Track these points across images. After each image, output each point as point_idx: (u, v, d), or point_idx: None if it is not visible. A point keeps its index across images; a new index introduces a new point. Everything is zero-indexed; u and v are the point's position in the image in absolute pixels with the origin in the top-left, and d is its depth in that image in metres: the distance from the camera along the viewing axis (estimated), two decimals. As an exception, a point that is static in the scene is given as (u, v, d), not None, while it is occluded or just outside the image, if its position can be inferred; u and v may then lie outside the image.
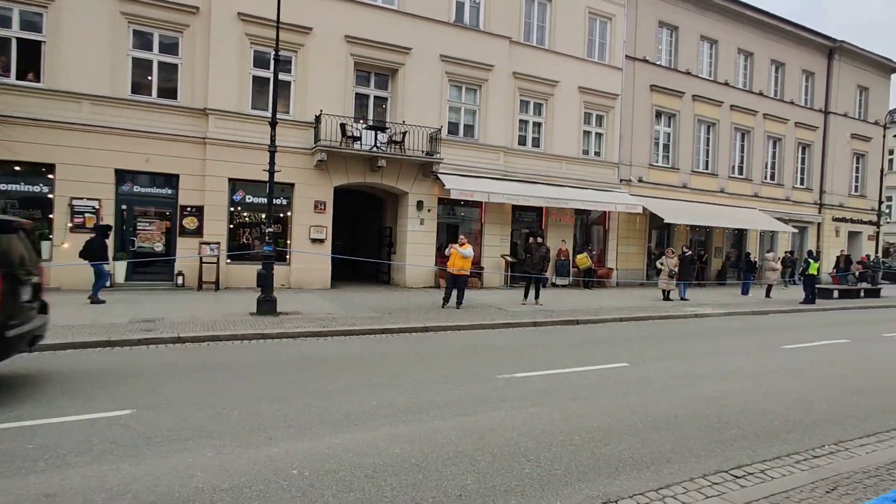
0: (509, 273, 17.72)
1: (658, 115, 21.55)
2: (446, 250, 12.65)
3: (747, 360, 8.29)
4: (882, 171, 27.61)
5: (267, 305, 10.23)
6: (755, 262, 21.07)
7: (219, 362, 6.96)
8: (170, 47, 13.81)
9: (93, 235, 11.35)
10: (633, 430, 4.93)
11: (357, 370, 6.78)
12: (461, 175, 16.71)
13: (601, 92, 19.68)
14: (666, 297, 15.65)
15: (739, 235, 24.46)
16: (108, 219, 13.03)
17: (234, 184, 14.44)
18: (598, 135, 20.19)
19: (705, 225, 21.91)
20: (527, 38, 18.42)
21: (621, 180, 20.38)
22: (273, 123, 10.60)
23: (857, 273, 23.22)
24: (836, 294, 19.15)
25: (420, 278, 16.59)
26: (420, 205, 16.47)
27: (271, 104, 10.87)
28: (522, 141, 18.63)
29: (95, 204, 13.01)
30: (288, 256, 15.03)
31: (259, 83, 14.64)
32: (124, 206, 13.58)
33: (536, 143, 18.90)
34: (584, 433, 4.78)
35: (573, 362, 7.59)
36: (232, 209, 14.60)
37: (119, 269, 13.33)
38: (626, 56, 20.28)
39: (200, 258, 13.63)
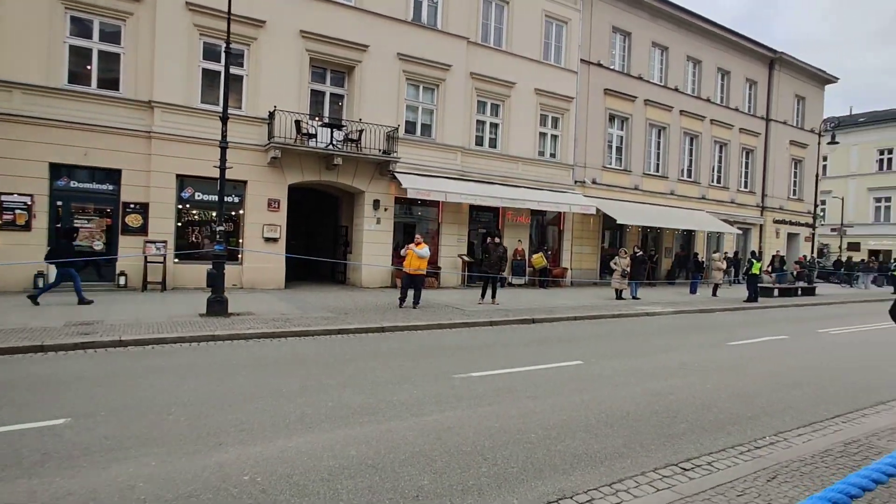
0: (466, 273, 17.79)
1: (611, 118, 22.12)
2: (402, 251, 12.55)
3: (695, 356, 8.60)
4: (817, 176, 29.31)
5: (217, 306, 9.88)
6: (702, 262, 21.94)
7: (164, 366, 6.65)
8: (111, 36, 13.13)
9: (58, 238, 10.94)
10: (586, 426, 5.01)
11: (312, 371, 6.63)
12: (418, 174, 16.66)
13: (557, 94, 20.04)
14: (618, 297, 16.07)
15: (688, 236, 25.42)
16: (42, 216, 12.32)
17: (183, 180, 13.88)
18: (554, 136, 20.55)
19: (656, 226, 22.63)
20: (484, 39, 18.55)
21: (576, 182, 20.81)
22: (224, 118, 10.25)
23: (794, 272, 24.53)
24: (776, 293, 20.19)
25: (376, 278, 16.43)
26: (377, 204, 16.31)
27: (222, 98, 10.50)
28: (479, 141, 18.74)
29: (28, 200, 12.23)
30: (240, 256, 14.58)
31: (209, 76, 14.13)
32: (60, 203, 12.80)
33: (493, 143, 19.06)
34: (539, 431, 4.83)
35: (529, 361, 7.66)
36: (180, 206, 14.03)
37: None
38: (581, 60, 20.72)
39: (145, 257, 13.03)
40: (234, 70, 13.55)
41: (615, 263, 16.21)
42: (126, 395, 5.43)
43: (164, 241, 13.28)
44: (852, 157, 40.53)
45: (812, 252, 27.75)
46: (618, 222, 20.41)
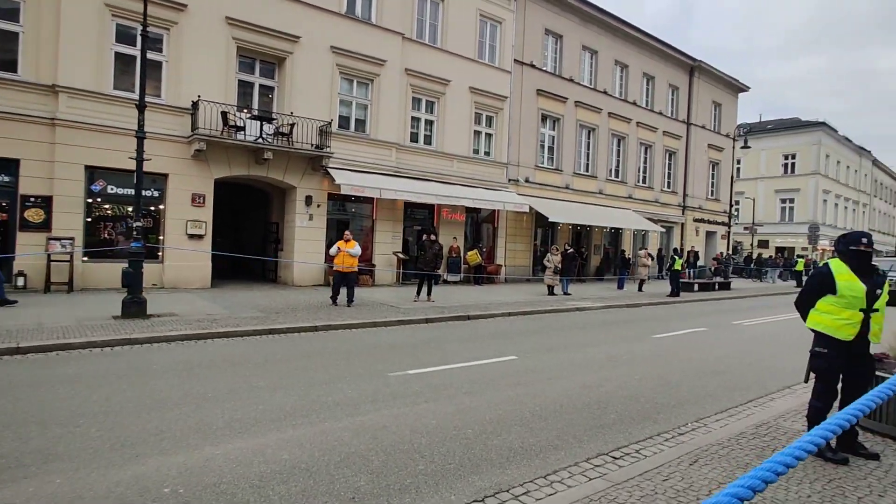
0: (401, 270, 17.67)
1: (544, 118, 22.69)
2: (332, 249, 12.22)
3: (623, 349, 8.96)
4: (732, 178, 31.55)
5: (135, 307, 9.22)
6: (629, 258, 22.98)
7: (72, 374, 6.11)
8: (9, 13, 11.92)
9: None
10: (522, 420, 5.08)
11: (240, 374, 6.31)
12: (352, 170, 16.36)
13: (491, 93, 20.30)
14: (551, 292, 16.51)
15: (616, 234, 26.54)
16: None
17: (93, 172, 12.85)
18: (488, 135, 20.81)
19: (586, 224, 23.46)
20: (419, 35, 18.47)
21: (509, 180, 21.19)
22: (141, 107, 9.56)
23: (712, 268, 26.24)
24: (696, 287, 21.48)
25: (309, 276, 15.98)
26: (309, 200, 15.85)
27: (138, 85, 9.80)
28: (415, 138, 18.66)
29: None
30: (160, 253, 13.71)
31: (124, 61, 13.17)
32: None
33: (428, 140, 19.03)
34: (476, 426, 4.84)
35: (465, 357, 7.69)
36: (90, 200, 12.99)
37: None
38: (515, 60, 21.10)
39: (48, 255, 11.94)
40: (151, 56, 12.69)
41: (548, 260, 16.65)
42: (24, 407, 4.91)
43: (71, 238, 12.22)
44: (762, 161, 43.96)
45: (728, 249, 29.81)
46: (549, 220, 20.97)
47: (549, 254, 16.93)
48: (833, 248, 4.62)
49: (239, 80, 14.91)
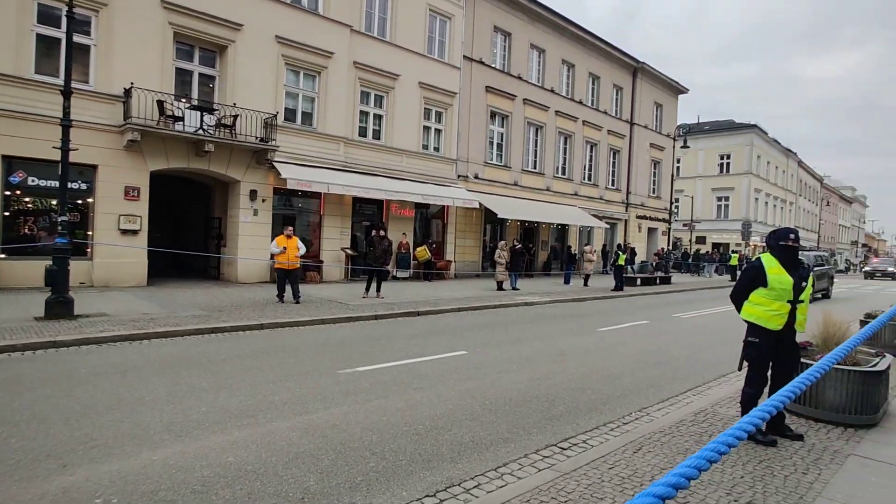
0: (350, 266, 17.42)
1: (493, 115, 22.90)
2: (273, 246, 11.83)
3: (570, 342, 9.18)
4: (672, 176, 32.92)
5: (60, 307, 8.63)
6: (575, 254, 23.57)
7: (-9, 379, 5.64)
8: (-84, -14, 10.89)
9: None
10: (472, 414, 5.10)
11: (180, 375, 6.02)
12: (299, 164, 15.95)
13: (440, 89, 20.27)
14: (500, 288, 16.71)
15: (562, 230, 27.16)
16: None
17: (11, 162, 11.92)
18: (438, 131, 20.79)
19: (534, 220, 23.89)
20: (368, 28, 18.20)
21: (459, 176, 21.27)
22: (67, 93, 8.92)
23: (654, 263, 27.30)
24: (638, 282, 22.28)
25: (255, 273, 15.48)
26: (254, 194, 15.34)
27: (63, 70, 9.14)
28: (363, 132, 18.40)
29: None
30: (89, 250, 12.91)
31: (46, 44, 12.27)
32: None
33: (377, 135, 18.82)
34: (427, 422, 4.82)
35: (415, 353, 7.66)
36: (8, 193, 12.04)
37: None
38: (465, 56, 21.17)
39: (-35, 252, 11.02)
40: (79, 39, 11.90)
41: (500, 256, 16.82)
42: (-63, 416, 4.51)
43: (-10, 234, 11.32)
44: (699, 161, 46.15)
45: (668, 245, 31.08)
46: (499, 216, 21.22)
47: (498, 249, 17.11)
48: (764, 244, 4.88)
49: (177, 68, 14.20)
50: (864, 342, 5.86)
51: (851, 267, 60.86)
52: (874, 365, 4.97)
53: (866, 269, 44.66)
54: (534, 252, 25.07)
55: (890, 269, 40.74)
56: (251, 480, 3.55)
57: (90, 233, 12.94)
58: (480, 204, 20.79)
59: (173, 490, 3.38)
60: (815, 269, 12.84)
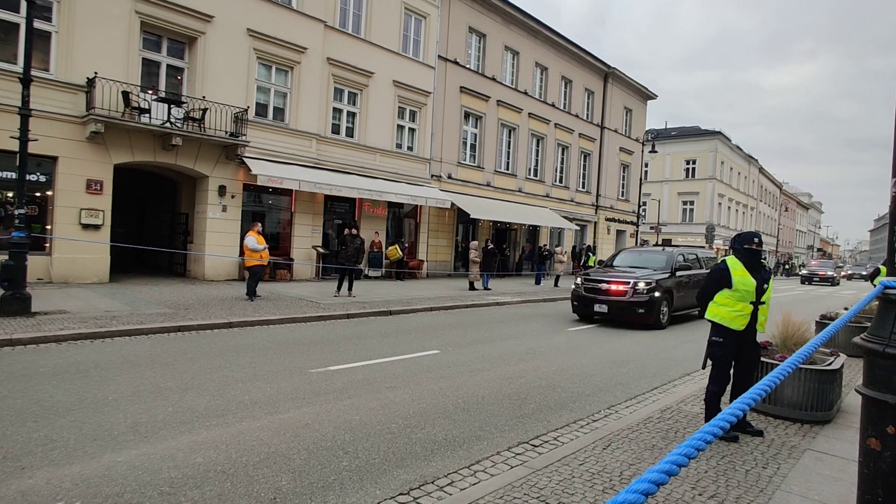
0: (321, 265, 17.25)
1: (466, 115, 22.98)
2: (252, 242, 11.61)
3: (541, 342, 9.29)
4: (641, 180, 33.62)
5: (16, 304, 8.29)
6: (546, 255, 23.86)
7: (-58, 378, 5.39)
8: None
9: None
10: (445, 413, 5.12)
11: (146, 374, 5.86)
12: (270, 161, 15.70)
13: (415, 88, 20.24)
14: (472, 287, 16.79)
15: (534, 231, 27.45)
16: None
17: (-33, 152, 11.43)
18: (412, 130, 20.75)
19: (506, 220, 24.07)
20: (342, 24, 18.04)
21: (432, 176, 21.28)
22: (26, 80, 8.57)
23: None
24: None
25: (223, 270, 15.17)
26: (222, 190, 15.03)
27: (23, 56, 8.78)
28: (336, 130, 18.23)
29: None
30: (48, 244, 12.44)
31: (4, 29, 11.80)
32: None
33: (350, 132, 18.67)
34: (400, 420, 4.82)
35: (387, 352, 7.64)
36: (-36, 184, 11.54)
37: None
38: (439, 56, 21.19)
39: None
40: (39, 24, 11.46)
41: (477, 255, 16.85)
42: None
43: (-58, 226, 10.80)
44: (666, 165, 47.27)
45: (636, 247, 31.61)
46: (471, 217, 21.31)
47: (473, 250, 17.17)
48: (728, 247, 5.05)
49: (143, 59, 13.80)
50: (822, 343, 6.15)
51: (795, 269, 56.33)
52: (829, 364, 5.19)
53: (803, 272, 39.73)
54: (507, 253, 25.23)
55: (829, 272, 36.46)
56: (221, 481, 3.49)
57: (49, 227, 12.47)
58: (453, 204, 20.85)
59: (139, 492, 3.29)
60: (679, 272, 11.96)
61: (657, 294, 11.18)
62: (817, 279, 36.34)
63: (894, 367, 1.76)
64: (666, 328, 11.43)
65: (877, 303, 1.97)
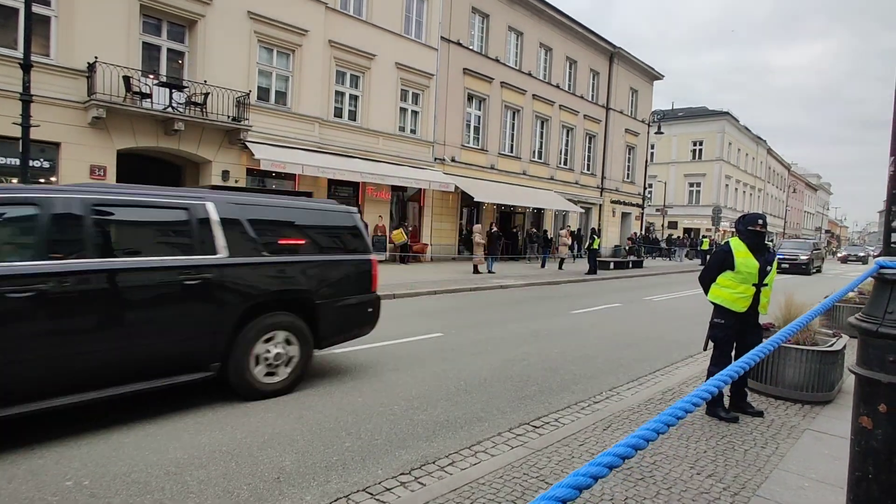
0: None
1: (470, 97, 22.79)
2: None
3: (544, 324, 9.32)
4: (646, 162, 33.35)
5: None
6: (551, 238, 23.82)
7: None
8: None
9: None
10: (447, 394, 5.17)
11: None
12: (273, 145, 15.67)
13: (417, 70, 20.06)
14: (476, 271, 16.82)
15: (538, 214, 27.36)
16: None
17: (-30, 139, 11.46)
18: (415, 113, 20.62)
19: (510, 204, 23.99)
20: (344, 6, 17.84)
21: (436, 159, 21.19)
22: (26, 66, 8.57)
23: (627, 247, 27.80)
24: (612, 266, 22.67)
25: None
26: (226, 175, 15.05)
27: (23, 41, 8.76)
28: (339, 113, 18.14)
29: None
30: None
31: (3, 14, 11.74)
32: None
33: (353, 116, 18.57)
34: (402, 402, 4.87)
35: (391, 335, 7.68)
36: (-30, 171, 11.60)
37: None
38: (442, 38, 20.95)
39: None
40: (38, 9, 11.39)
41: (483, 237, 16.86)
42: None
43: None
44: (673, 147, 46.85)
45: (641, 230, 31.60)
46: (475, 200, 21.26)
47: (475, 233, 17.17)
48: (733, 229, 5.02)
49: (144, 43, 13.74)
50: (824, 324, 6.13)
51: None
52: (831, 345, 5.20)
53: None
54: (518, 234, 25.12)
55: (801, 256, 26.55)
56: (225, 461, 3.56)
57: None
58: (457, 187, 20.78)
59: (146, 472, 3.36)
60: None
61: None
62: (787, 265, 25.65)
63: (888, 346, 1.77)
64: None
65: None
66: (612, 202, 32.53)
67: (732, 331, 4.61)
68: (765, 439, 4.17)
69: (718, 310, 4.65)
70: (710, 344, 4.77)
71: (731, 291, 4.55)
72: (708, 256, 29.28)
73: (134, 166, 15.90)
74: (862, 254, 41.84)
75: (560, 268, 20.63)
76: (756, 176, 55.02)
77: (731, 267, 4.52)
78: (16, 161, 10.42)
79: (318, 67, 16.90)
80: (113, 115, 12.70)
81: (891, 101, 1.99)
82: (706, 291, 4.81)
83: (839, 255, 48.79)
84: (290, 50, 16.30)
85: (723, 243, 4.88)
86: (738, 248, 4.53)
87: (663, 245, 35.97)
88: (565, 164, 28.76)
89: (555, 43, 26.83)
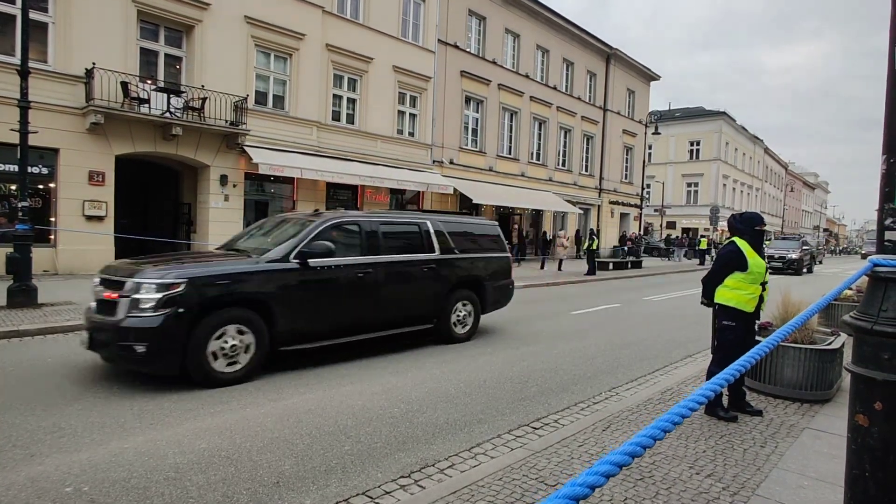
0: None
1: (467, 100, 22.82)
2: None
3: (544, 325, 9.33)
4: (644, 162, 33.38)
5: (22, 296, 8.38)
6: (550, 239, 23.84)
7: (-48, 369, 5.48)
8: None
9: None
10: (447, 396, 5.17)
11: (150, 364, 5.92)
12: (271, 149, 15.69)
13: (415, 73, 20.09)
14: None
15: (537, 215, 27.37)
16: None
17: (-34, 145, 11.46)
18: (413, 115, 20.65)
19: (509, 205, 24.00)
20: (341, 9, 17.87)
21: (434, 161, 21.21)
22: (24, 72, 8.57)
23: (626, 248, 27.81)
24: (611, 266, 22.66)
25: (227, 259, 15.22)
26: (224, 179, 15.05)
27: (20, 48, 8.77)
28: (336, 116, 18.16)
29: None
30: (52, 236, 12.52)
31: (0, 21, 11.74)
32: None
33: (351, 119, 18.60)
34: (402, 405, 4.87)
35: (389, 338, 7.68)
36: (-32, 178, 11.59)
37: None
38: (439, 40, 20.99)
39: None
40: (35, 15, 11.42)
41: None
42: None
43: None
44: (670, 147, 46.94)
45: (640, 230, 31.58)
46: (473, 202, 21.27)
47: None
48: (727, 227, 4.97)
49: (141, 48, 13.76)
50: (823, 323, 6.16)
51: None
52: (829, 343, 5.21)
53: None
54: (529, 237, 25.05)
55: (791, 255, 24.49)
56: (225, 466, 3.55)
57: (53, 219, 12.54)
58: (455, 189, 20.80)
59: (145, 477, 3.36)
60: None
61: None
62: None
63: (882, 344, 1.78)
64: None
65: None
66: (611, 203, 32.56)
67: (743, 332, 4.55)
68: (764, 438, 4.17)
69: (729, 312, 4.50)
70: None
71: (742, 293, 4.45)
72: (707, 256, 29.41)
73: (133, 171, 15.92)
74: (793, 255, 41.49)
75: (559, 269, 20.63)
76: (753, 175, 55.11)
77: (743, 268, 4.43)
78: (14, 167, 10.43)
79: (315, 71, 16.92)
80: (111, 120, 12.71)
81: (882, 100, 2.00)
82: (708, 293, 4.74)
83: (863, 251, 48.29)
84: (287, 54, 16.33)
85: (725, 243, 4.82)
86: (747, 248, 4.49)
87: (661, 245, 35.97)
88: (563, 165, 28.79)
89: (552, 45, 26.89)
